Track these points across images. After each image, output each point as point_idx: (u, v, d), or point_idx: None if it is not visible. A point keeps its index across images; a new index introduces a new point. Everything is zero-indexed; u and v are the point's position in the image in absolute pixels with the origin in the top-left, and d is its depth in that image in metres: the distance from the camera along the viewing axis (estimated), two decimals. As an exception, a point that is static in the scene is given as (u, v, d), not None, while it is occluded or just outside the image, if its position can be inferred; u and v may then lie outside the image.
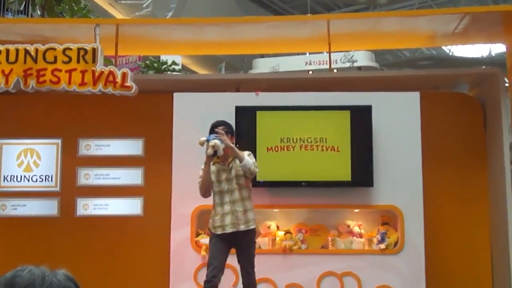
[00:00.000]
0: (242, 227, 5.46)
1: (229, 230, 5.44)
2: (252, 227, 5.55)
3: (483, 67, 17.07)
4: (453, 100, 7.09)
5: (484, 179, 6.84)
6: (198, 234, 6.41)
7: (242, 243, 5.50)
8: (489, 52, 24.89)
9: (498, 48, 22.43)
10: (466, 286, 6.69)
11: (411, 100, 6.49)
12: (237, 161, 5.49)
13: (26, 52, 5.92)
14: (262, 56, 21.25)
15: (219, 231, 5.48)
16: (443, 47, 25.16)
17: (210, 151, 5.30)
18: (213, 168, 5.57)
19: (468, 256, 6.72)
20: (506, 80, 6.81)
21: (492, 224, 6.73)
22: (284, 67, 20.05)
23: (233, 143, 5.57)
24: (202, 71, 21.81)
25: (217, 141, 5.31)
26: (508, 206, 6.31)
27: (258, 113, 6.36)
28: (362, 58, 20.26)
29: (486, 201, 6.80)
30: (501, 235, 6.45)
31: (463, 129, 6.93)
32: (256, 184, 6.04)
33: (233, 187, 5.51)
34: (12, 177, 6.86)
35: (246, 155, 5.50)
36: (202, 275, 6.21)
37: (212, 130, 5.52)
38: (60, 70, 5.90)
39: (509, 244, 6.26)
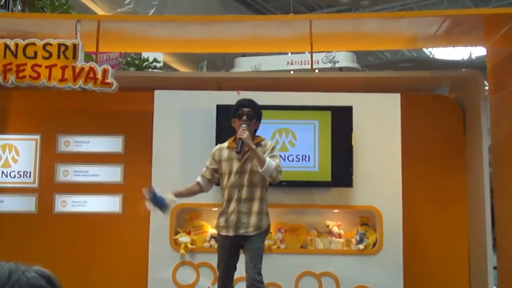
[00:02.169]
0: (242, 231, 4.86)
1: (231, 233, 4.89)
2: (251, 234, 4.87)
3: (464, 69, 17.20)
4: (433, 102, 7.13)
5: (463, 181, 6.89)
6: (177, 233, 6.38)
7: (246, 243, 4.90)
8: (470, 55, 25.08)
9: (479, 51, 22.59)
10: (443, 286, 6.75)
11: (391, 102, 6.51)
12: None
13: (6, 46, 5.84)
14: (244, 55, 21.24)
15: (223, 232, 4.95)
16: (424, 49, 25.32)
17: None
18: (225, 154, 4.99)
19: (446, 257, 6.77)
20: (486, 83, 6.86)
21: (470, 225, 6.78)
22: (266, 67, 20.04)
23: (257, 129, 5.00)
24: (183, 69, 21.73)
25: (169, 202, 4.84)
26: (486, 208, 6.35)
27: (239, 112, 6.34)
28: (344, 59, 20.33)
29: (465, 203, 6.85)
30: (479, 236, 6.49)
31: (443, 131, 6.98)
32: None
33: (243, 183, 4.87)
34: (-10, 172, 6.80)
35: (268, 153, 4.86)
36: (181, 274, 6.23)
37: (237, 110, 4.93)
38: (40, 66, 5.82)
39: (486, 246, 6.30)
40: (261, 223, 4.93)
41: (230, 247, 4.97)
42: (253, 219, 4.88)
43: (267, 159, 4.78)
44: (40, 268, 1.60)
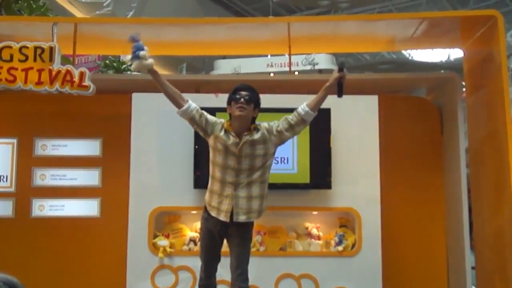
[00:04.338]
0: (242, 218, 4.64)
1: (222, 218, 4.65)
2: (252, 219, 4.74)
3: (442, 71, 17.33)
4: (411, 104, 7.17)
5: (440, 182, 6.94)
6: (155, 236, 6.36)
7: (234, 235, 4.76)
8: (448, 57, 25.20)
9: (457, 53, 22.72)
10: (422, 287, 6.78)
11: (369, 103, 6.54)
12: (255, 136, 4.65)
13: (-19, 50, 5.80)
14: (224, 57, 21.21)
15: (213, 213, 4.68)
16: (403, 51, 25.42)
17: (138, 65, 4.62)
18: (222, 133, 4.69)
19: (424, 258, 6.81)
20: (464, 84, 6.91)
21: (448, 226, 6.82)
22: (246, 69, 20.02)
23: (255, 117, 4.77)
24: (163, 71, 21.54)
25: (144, 53, 4.64)
26: (463, 209, 6.40)
27: (218, 114, 6.31)
28: (323, 61, 20.36)
29: (443, 204, 6.90)
30: (457, 237, 6.54)
31: (421, 132, 7.03)
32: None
33: (240, 167, 4.61)
34: (-34, 177, 6.72)
35: (276, 125, 4.80)
36: (159, 278, 6.21)
37: (233, 93, 4.74)
38: (16, 69, 5.77)
39: (464, 247, 6.35)
40: (262, 207, 4.77)
41: (214, 231, 4.80)
42: (254, 204, 4.68)
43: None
44: (4, 275, 1.59)
